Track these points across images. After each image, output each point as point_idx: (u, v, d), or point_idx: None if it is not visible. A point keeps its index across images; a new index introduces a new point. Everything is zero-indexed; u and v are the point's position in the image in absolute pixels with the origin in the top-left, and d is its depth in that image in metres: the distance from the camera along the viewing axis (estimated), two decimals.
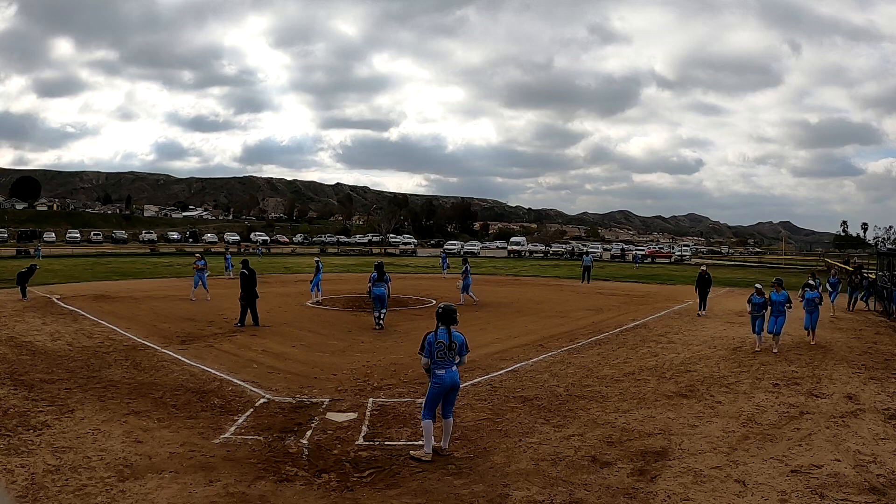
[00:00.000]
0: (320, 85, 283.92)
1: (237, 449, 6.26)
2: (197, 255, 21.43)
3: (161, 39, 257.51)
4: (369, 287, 14.67)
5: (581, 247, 68.03)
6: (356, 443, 6.52)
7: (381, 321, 13.94)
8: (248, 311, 13.90)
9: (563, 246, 70.12)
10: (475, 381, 9.08)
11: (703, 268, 18.53)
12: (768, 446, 6.50)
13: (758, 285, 12.21)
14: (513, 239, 74.79)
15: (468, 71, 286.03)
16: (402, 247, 68.63)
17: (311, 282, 19.67)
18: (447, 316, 6.26)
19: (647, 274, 36.00)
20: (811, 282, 13.36)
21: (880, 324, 16.16)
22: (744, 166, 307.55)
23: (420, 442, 6.36)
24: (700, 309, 17.32)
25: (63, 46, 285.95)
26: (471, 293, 18.94)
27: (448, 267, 30.66)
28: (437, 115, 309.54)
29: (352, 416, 7.45)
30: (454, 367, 6.25)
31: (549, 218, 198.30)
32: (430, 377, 6.27)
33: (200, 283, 18.90)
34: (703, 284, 17.50)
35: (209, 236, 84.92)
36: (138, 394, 8.15)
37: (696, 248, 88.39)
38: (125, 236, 79.29)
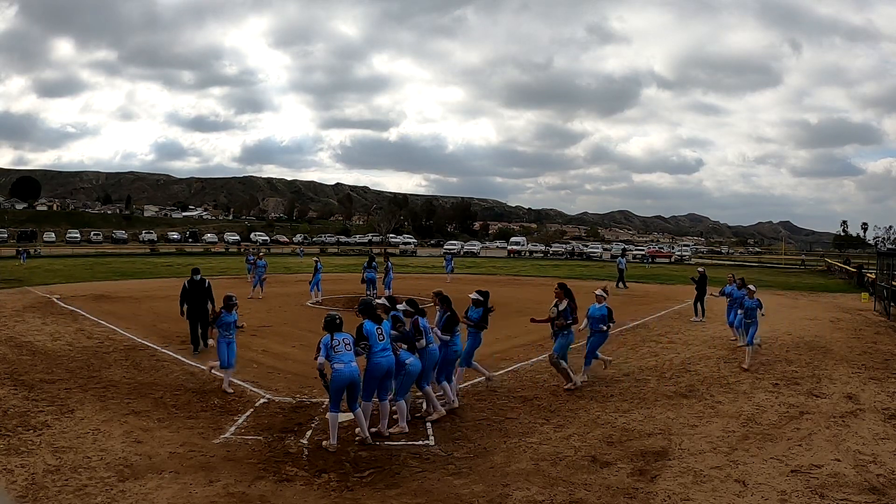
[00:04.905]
0: (320, 85, 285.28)
1: (237, 449, 6.27)
2: (260, 254, 23.16)
3: (161, 40, 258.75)
4: (363, 273, 19.30)
5: (582, 247, 67.79)
6: (356, 443, 6.53)
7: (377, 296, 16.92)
8: (198, 327, 11.24)
9: (563, 246, 69.97)
10: (475, 380, 9.07)
11: (701, 269, 16.76)
12: (768, 446, 6.50)
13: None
14: (513, 239, 74.62)
15: (467, 71, 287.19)
16: (402, 247, 68.52)
17: (310, 282, 19.71)
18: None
19: (647, 274, 35.97)
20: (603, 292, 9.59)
21: (880, 324, 16.14)
22: (744, 166, 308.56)
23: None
24: (696, 315, 15.67)
25: (63, 47, 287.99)
26: (387, 287, 19.77)
27: (453, 270, 28.97)
28: (437, 115, 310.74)
29: (352, 416, 7.43)
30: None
31: (549, 218, 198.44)
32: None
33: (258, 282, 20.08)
34: (699, 287, 15.71)
35: (209, 236, 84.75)
36: (138, 394, 8.15)
37: (696, 248, 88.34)
38: (125, 236, 79.26)
